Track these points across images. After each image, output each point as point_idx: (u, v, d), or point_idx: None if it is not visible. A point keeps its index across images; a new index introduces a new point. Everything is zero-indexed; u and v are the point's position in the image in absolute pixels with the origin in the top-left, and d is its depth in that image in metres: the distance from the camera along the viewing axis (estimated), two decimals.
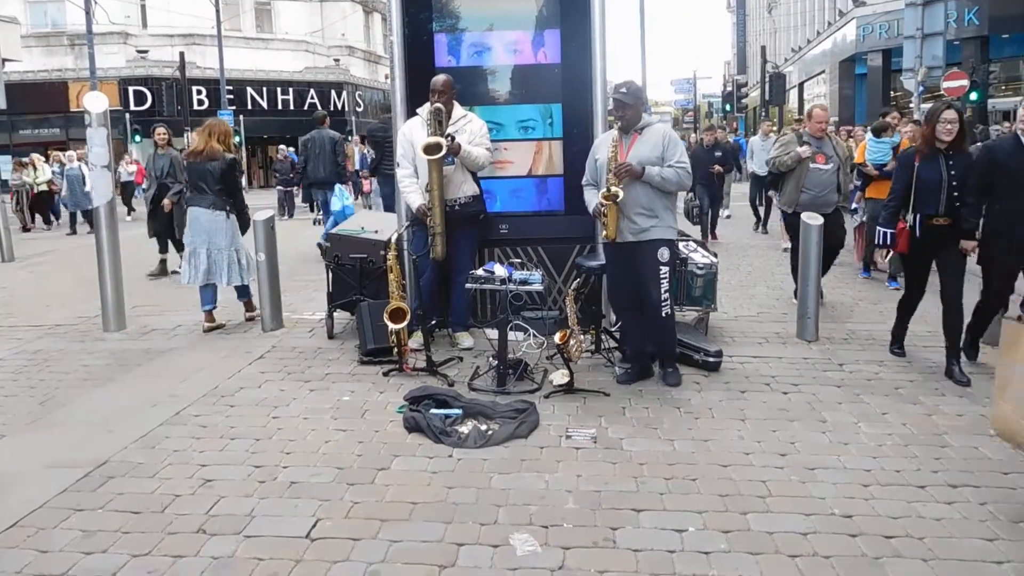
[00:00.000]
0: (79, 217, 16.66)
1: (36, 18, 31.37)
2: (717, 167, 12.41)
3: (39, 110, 29.83)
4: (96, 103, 6.87)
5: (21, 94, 26.99)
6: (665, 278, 5.02)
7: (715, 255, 6.48)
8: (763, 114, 31.51)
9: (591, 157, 5.27)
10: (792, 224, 6.96)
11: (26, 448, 4.28)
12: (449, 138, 5.59)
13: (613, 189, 4.88)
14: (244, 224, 6.93)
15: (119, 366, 5.85)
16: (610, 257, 5.26)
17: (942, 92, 16.10)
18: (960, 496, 3.52)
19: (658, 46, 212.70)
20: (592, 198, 5.19)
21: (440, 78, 5.77)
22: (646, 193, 4.98)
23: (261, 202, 17.08)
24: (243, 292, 7.06)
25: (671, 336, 5.20)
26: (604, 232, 5.09)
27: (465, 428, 4.29)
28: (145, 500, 3.58)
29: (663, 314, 5.05)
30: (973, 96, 17.41)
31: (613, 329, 5.79)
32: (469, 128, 5.82)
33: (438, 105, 5.61)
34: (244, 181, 20.09)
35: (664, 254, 5.03)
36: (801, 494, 3.56)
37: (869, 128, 8.41)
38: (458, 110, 5.87)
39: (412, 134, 5.87)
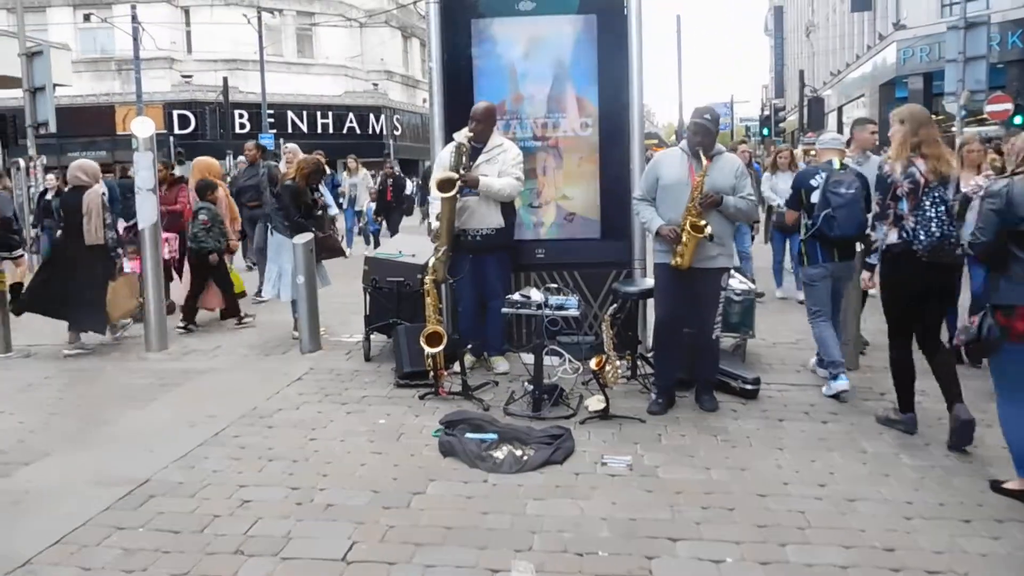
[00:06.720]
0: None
1: (86, 44, 32.24)
2: None
3: (87, 133, 30.56)
4: (143, 128, 7.05)
5: (70, 117, 27.68)
6: (721, 302, 5.10)
7: (753, 281, 6.43)
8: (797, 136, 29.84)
9: (650, 173, 5.19)
10: None
11: (70, 466, 4.36)
12: (463, 169, 5.62)
13: (703, 222, 4.82)
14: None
15: (160, 386, 5.94)
16: (667, 283, 5.11)
17: (985, 116, 15.87)
18: (1006, 531, 3.43)
19: (695, 69, 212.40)
20: (651, 216, 5.10)
21: (481, 105, 5.82)
22: (718, 222, 4.96)
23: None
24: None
25: (714, 359, 5.21)
26: (676, 260, 4.91)
27: (500, 453, 4.29)
28: (184, 520, 3.63)
29: (713, 336, 5.11)
30: (1017, 120, 17.13)
31: (649, 355, 5.76)
32: (502, 158, 5.79)
33: (461, 142, 5.68)
34: None
35: (725, 280, 5.10)
36: (841, 525, 3.50)
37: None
38: (495, 138, 5.87)
39: (444, 161, 5.93)
